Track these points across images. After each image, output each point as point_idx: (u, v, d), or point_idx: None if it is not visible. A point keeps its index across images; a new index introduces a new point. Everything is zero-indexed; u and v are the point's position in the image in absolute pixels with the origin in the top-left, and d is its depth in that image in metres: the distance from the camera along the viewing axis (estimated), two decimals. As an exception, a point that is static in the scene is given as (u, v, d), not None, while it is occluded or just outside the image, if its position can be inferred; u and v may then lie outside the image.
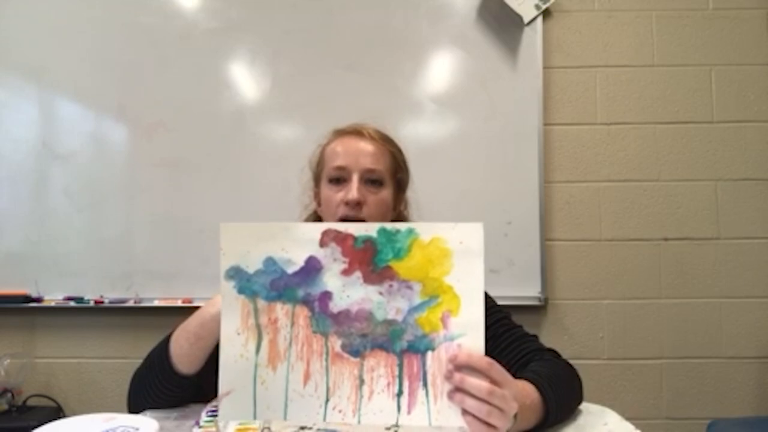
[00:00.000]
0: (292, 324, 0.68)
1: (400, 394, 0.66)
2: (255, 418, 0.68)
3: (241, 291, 0.68)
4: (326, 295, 0.68)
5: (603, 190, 1.98)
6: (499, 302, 0.99)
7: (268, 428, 0.73)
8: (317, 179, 1.05)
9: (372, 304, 0.67)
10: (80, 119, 1.98)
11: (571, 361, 0.91)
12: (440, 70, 1.99)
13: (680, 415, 1.94)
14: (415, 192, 1.10)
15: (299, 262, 0.68)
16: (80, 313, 1.94)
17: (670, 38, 2.00)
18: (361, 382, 0.67)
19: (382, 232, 0.67)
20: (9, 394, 1.83)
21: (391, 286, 0.67)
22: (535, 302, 1.92)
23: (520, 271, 1.92)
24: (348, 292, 0.67)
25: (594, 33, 2.01)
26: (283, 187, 1.80)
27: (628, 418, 0.82)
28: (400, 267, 0.67)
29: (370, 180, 0.98)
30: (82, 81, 1.98)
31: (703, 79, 1.99)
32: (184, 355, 0.85)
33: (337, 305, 0.67)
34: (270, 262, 0.68)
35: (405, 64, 1.97)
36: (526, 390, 0.74)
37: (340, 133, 1.04)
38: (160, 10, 1.99)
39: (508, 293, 1.87)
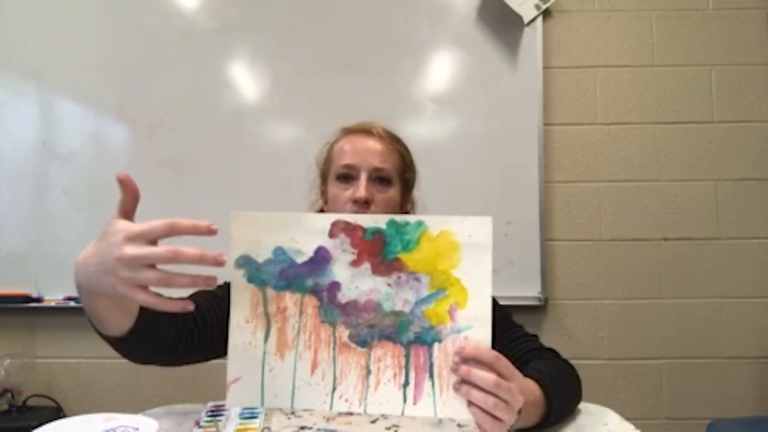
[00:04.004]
0: (301, 313, 0.68)
1: (406, 384, 0.67)
2: (262, 405, 0.69)
3: (250, 280, 0.68)
4: (335, 286, 0.68)
5: (603, 190, 1.98)
6: (500, 302, 0.99)
7: (268, 428, 0.73)
8: (324, 177, 1.06)
9: (380, 295, 0.67)
10: (80, 119, 1.98)
11: (571, 361, 0.91)
12: (440, 70, 1.99)
13: (680, 415, 1.94)
14: (421, 192, 1.10)
15: (308, 252, 0.68)
16: (80, 313, 1.91)
17: (670, 38, 2.00)
18: (368, 372, 0.67)
19: (392, 224, 0.67)
20: (9, 394, 1.82)
21: (399, 277, 0.67)
22: (535, 302, 1.92)
23: (520, 271, 1.92)
24: (356, 282, 0.68)
25: (594, 33, 2.01)
26: (282, 187, 1.81)
27: (628, 418, 0.82)
28: (408, 259, 0.67)
29: (378, 178, 0.98)
30: (82, 81, 1.98)
31: (703, 79, 1.99)
32: (96, 319, 0.74)
33: (345, 296, 0.68)
34: (279, 251, 0.68)
35: (405, 64, 1.97)
36: (530, 387, 0.74)
37: (349, 132, 1.04)
38: (160, 10, 1.99)
39: (508, 293, 1.86)
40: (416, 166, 1.08)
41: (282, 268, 0.68)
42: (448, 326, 0.66)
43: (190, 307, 0.66)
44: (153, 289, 0.63)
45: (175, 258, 0.61)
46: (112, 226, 0.63)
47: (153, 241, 0.62)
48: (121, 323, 0.74)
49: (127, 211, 0.65)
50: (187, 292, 0.80)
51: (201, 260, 0.61)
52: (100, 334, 0.78)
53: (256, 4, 1.99)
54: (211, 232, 0.62)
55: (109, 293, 0.65)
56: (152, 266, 0.61)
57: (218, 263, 0.61)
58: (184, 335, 0.84)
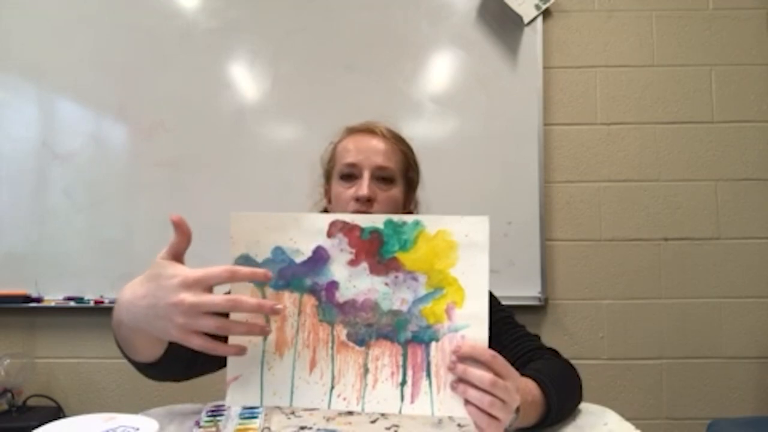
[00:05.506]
0: (299, 312, 0.69)
1: (403, 383, 0.67)
2: (261, 403, 0.69)
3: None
4: (333, 285, 0.68)
5: (603, 190, 1.98)
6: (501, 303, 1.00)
7: (268, 428, 0.73)
8: (328, 176, 1.06)
9: (378, 295, 0.68)
10: (80, 119, 1.98)
11: (572, 361, 0.91)
12: (440, 70, 1.99)
13: (680, 415, 1.94)
14: (425, 192, 1.11)
15: (307, 252, 0.69)
16: (80, 313, 1.94)
17: (670, 38, 2.00)
18: (366, 370, 0.68)
19: (389, 223, 0.68)
20: (9, 394, 1.82)
21: (396, 277, 0.68)
22: (535, 302, 1.92)
23: (520, 271, 1.92)
24: (354, 282, 0.68)
25: (594, 33, 2.01)
26: (282, 187, 1.81)
27: (628, 418, 0.82)
28: (406, 258, 0.68)
29: (381, 177, 0.98)
30: (82, 81, 1.98)
31: (703, 79, 1.99)
32: (130, 348, 0.74)
33: (343, 295, 0.68)
34: (278, 251, 0.69)
35: (405, 64, 1.97)
36: (529, 387, 0.74)
37: (353, 131, 1.05)
38: (160, 10, 1.99)
39: (508, 293, 1.86)
40: (420, 166, 1.09)
41: (281, 267, 0.69)
42: (445, 325, 0.66)
43: (245, 351, 0.67)
44: None
45: (234, 308, 0.62)
46: (166, 268, 0.62)
47: (209, 288, 0.62)
48: (155, 352, 0.75)
49: (178, 254, 0.65)
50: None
51: (259, 310, 0.63)
52: (128, 358, 0.79)
53: (256, 4, 1.99)
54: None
55: (158, 335, 0.65)
56: (208, 312, 0.61)
57: (275, 312, 0.64)
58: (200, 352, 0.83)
